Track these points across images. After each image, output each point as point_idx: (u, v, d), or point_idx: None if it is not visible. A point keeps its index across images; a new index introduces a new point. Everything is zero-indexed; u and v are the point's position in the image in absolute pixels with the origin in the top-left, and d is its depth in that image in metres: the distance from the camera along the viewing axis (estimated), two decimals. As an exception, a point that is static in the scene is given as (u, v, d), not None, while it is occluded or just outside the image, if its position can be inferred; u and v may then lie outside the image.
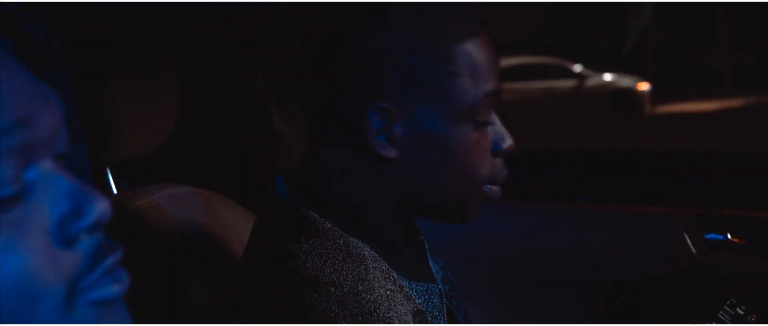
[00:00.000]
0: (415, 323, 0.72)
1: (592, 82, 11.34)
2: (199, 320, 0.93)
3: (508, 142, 0.80)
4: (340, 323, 0.65)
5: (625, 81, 11.58)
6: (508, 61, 10.58)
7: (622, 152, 1.46)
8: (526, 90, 10.60)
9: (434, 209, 0.80)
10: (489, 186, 0.79)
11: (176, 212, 1.02)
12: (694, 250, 1.25)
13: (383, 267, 0.74)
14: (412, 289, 0.76)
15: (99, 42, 1.00)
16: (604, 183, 1.41)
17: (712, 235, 1.25)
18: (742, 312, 0.96)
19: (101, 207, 0.44)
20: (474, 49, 0.75)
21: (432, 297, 0.79)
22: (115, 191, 1.11)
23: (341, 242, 0.73)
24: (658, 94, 12.12)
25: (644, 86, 11.60)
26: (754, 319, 0.94)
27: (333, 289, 0.68)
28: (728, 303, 0.96)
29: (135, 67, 1.04)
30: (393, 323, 0.68)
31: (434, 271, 0.86)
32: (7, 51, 0.43)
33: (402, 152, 0.74)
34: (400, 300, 0.72)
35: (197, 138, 1.33)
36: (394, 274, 0.75)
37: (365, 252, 0.74)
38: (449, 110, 0.74)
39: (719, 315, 0.96)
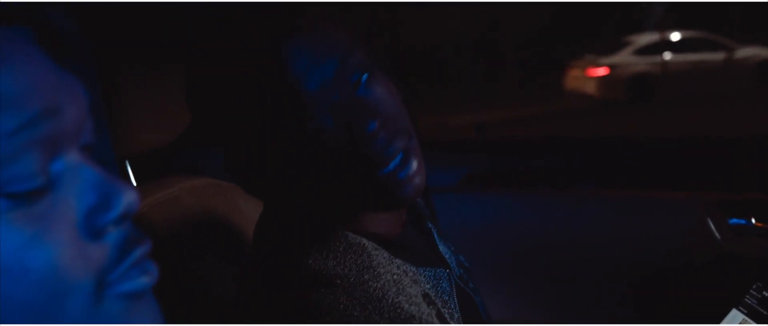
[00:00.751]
0: (425, 304, 0.71)
1: (739, 54, 11.07)
2: (223, 312, 0.93)
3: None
4: (350, 313, 0.65)
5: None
6: (653, 37, 10.50)
7: (642, 138, 1.44)
8: (675, 63, 10.45)
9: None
10: None
11: (196, 203, 1.01)
12: (717, 235, 1.23)
13: (385, 254, 0.73)
14: (418, 274, 0.75)
15: (118, 34, 0.99)
16: (625, 169, 1.40)
17: (736, 220, 1.24)
18: (769, 296, 0.94)
19: (129, 199, 0.43)
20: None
21: (441, 281, 0.78)
22: (134, 183, 1.10)
23: (340, 234, 0.72)
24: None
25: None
26: (781, 303, 0.93)
27: (339, 282, 0.67)
28: (755, 286, 0.95)
29: (153, 59, 1.03)
30: (402, 306, 0.67)
31: (447, 256, 0.85)
32: (30, 40, 0.43)
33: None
34: (408, 282, 0.71)
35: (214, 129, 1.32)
36: (398, 260, 0.74)
37: (365, 242, 0.73)
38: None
39: (746, 299, 0.95)
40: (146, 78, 1.01)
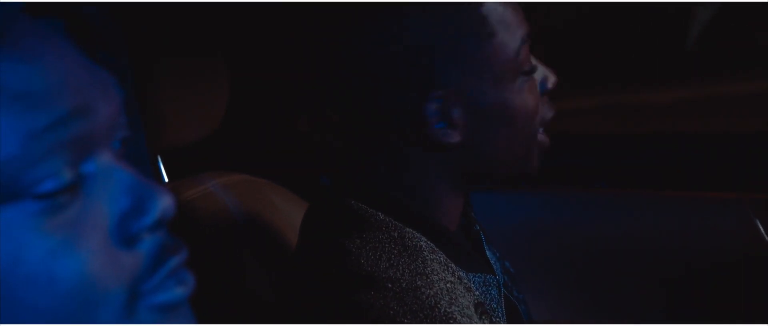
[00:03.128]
0: (476, 315, 0.69)
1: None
2: (260, 310, 0.91)
3: (551, 79, 0.79)
4: (400, 321, 0.62)
5: None
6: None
7: (688, 135, 1.40)
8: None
9: (494, 176, 0.78)
10: (542, 133, 0.78)
11: (229, 200, 1.00)
12: (766, 237, 1.20)
13: (441, 259, 0.71)
14: (470, 281, 0.73)
15: (151, 28, 0.98)
16: (671, 167, 1.36)
17: (786, 221, 1.20)
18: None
19: (165, 204, 0.41)
20: (495, 2, 0.72)
21: (490, 288, 0.76)
22: (166, 179, 1.09)
23: (396, 234, 0.70)
24: None
25: None
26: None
27: (390, 285, 0.65)
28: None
29: (186, 53, 1.02)
30: (455, 317, 0.65)
31: (492, 262, 0.83)
32: (61, 33, 0.40)
33: (464, 134, 0.72)
34: (461, 292, 0.69)
35: (248, 124, 1.31)
36: (453, 265, 0.72)
37: (422, 244, 0.71)
38: (497, 72, 0.71)
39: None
40: (179, 71, 1.00)
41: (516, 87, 0.72)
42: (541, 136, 0.78)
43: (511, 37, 0.72)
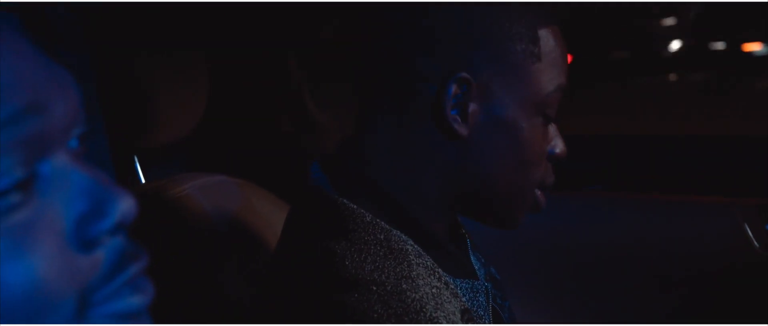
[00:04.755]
0: (462, 322, 0.68)
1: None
2: (238, 315, 0.89)
3: (561, 147, 0.78)
4: (384, 324, 0.61)
5: None
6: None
7: (678, 138, 1.39)
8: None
9: (484, 205, 0.75)
10: (538, 194, 0.77)
11: (207, 202, 0.98)
12: (756, 243, 1.20)
13: (427, 263, 0.69)
14: (457, 287, 0.72)
15: (125, 23, 0.95)
16: (659, 171, 1.35)
17: (775, 226, 1.20)
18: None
19: (125, 206, 0.38)
20: (554, 38, 0.73)
21: (477, 294, 0.75)
22: (143, 180, 1.07)
23: (382, 237, 0.68)
24: None
25: None
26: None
27: (375, 288, 0.63)
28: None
29: (164, 49, 1.00)
30: (440, 322, 0.64)
31: (477, 267, 0.81)
32: (14, 28, 0.38)
33: (472, 132, 0.70)
34: (447, 297, 0.68)
35: (228, 124, 1.29)
36: (440, 271, 0.70)
37: (408, 247, 0.69)
38: (525, 95, 0.71)
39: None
40: (156, 68, 0.97)
41: (532, 121, 0.72)
42: (539, 194, 0.77)
43: (551, 75, 0.72)
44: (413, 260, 0.68)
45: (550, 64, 0.72)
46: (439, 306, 0.65)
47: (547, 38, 0.72)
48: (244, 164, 1.26)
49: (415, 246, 0.70)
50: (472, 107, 0.70)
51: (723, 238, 1.22)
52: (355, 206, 0.70)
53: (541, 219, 1.33)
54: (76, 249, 0.38)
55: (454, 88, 0.69)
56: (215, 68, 1.07)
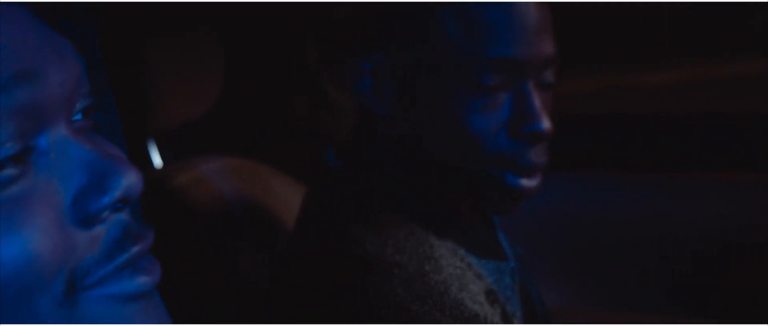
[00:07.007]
0: (487, 303, 0.66)
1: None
2: (257, 301, 0.88)
3: (541, 125, 0.66)
4: (408, 307, 0.60)
5: None
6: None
7: (704, 114, 1.36)
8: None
9: (454, 188, 0.72)
10: (516, 177, 0.68)
11: (224, 185, 0.98)
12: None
13: (449, 245, 0.68)
14: (481, 268, 0.70)
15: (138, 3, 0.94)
16: (686, 148, 1.32)
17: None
18: None
19: (129, 181, 0.36)
20: (495, 6, 0.65)
21: (503, 276, 0.73)
22: (160, 163, 1.06)
23: (402, 218, 0.67)
24: None
25: None
26: None
27: (397, 271, 0.62)
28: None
29: (177, 29, 0.99)
30: (465, 304, 0.63)
31: (505, 247, 0.80)
32: None
33: (399, 109, 0.70)
34: (471, 278, 0.67)
35: (244, 106, 1.28)
36: (462, 251, 0.69)
37: (429, 228, 0.68)
38: (443, 64, 0.67)
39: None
40: (170, 48, 0.96)
41: (459, 93, 0.67)
42: (516, 182, 0.68)
43: (482, 45, 0.65)
44: (435, 241, 0.67)
45: (477, 31, 0.65)
46: (463, 287, 0.64)
47: (480, 5, 0.66)
48: (261, 146, 1.25)
49: (437, 228, 0.69)
50: (390, 85, 0.69)
51: (753, 216, 1.19)
52: (372, 188, 0.69)
53: (563, 199, 1.31)
54: (74, 225, 0.36)
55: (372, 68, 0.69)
56: (229, 49, 1.06)
